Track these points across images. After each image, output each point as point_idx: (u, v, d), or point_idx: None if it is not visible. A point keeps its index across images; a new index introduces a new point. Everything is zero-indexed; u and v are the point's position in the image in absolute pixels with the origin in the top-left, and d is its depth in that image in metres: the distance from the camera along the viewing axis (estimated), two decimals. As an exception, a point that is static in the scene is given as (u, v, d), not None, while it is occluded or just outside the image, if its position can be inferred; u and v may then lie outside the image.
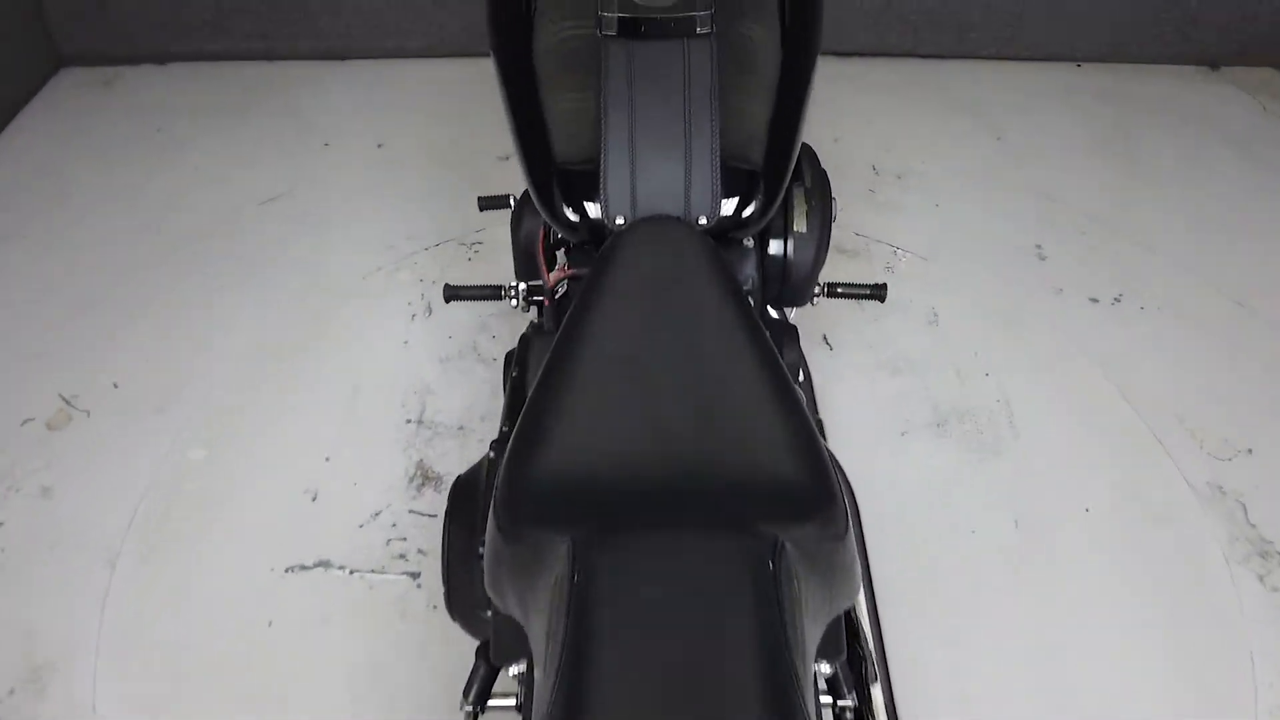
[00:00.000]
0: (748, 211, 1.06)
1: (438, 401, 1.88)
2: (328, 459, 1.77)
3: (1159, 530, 1.71)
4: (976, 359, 2.01)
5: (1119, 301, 2.19)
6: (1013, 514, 1.72)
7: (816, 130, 2.39)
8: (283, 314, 2.07)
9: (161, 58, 2.92)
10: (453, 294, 1.57)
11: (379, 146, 2.60)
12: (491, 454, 1.14)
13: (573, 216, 1.07)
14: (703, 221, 1.04)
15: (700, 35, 1.07)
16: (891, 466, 1.80)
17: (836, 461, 1.05)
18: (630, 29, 1.06)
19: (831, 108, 2.73)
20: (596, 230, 1.06)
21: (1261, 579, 1.66)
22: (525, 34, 1.21)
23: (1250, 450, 1.87)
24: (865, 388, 1.93)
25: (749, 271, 1.17)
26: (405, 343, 2.01)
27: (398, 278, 2.17)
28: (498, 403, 1.85)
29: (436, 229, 2.30)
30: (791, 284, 1.23)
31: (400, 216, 2.34)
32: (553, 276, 1.19)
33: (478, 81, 2.83)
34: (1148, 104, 2.84)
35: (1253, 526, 1.74)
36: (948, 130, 2.70)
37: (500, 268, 2.11)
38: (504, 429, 1.26)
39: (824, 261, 1.24)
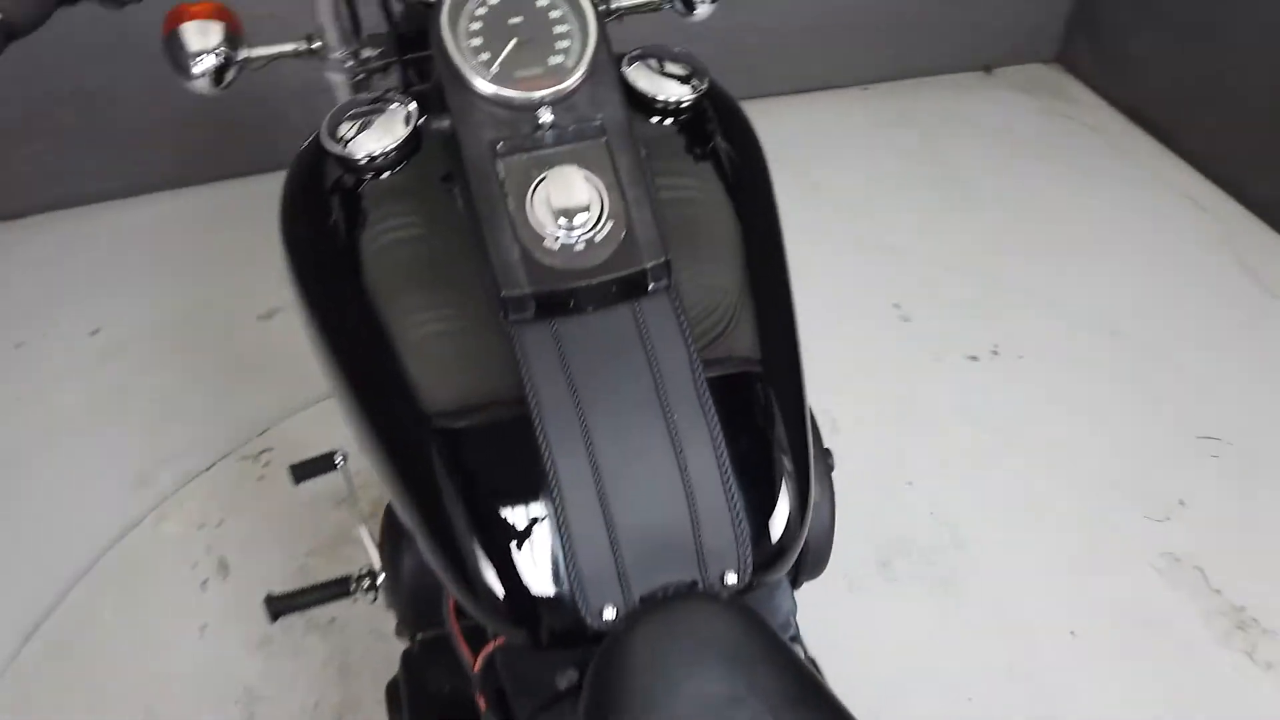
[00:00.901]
0: (778, 531, 0.71)
1: (271, 710, 1.39)
2: None
3: (1146, 636, 1.54)
4: (892, 466, 1.77)
5: (997, 354, 2.04)
6: (1003, 662, 1.48)
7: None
8: (9, 630, 1.48)
9: None
10: (282, 608, 1.12)
11: (94, 334, 2.00)
12: None
13: (516, 605, 0.67)
14: (731, 580, 0.68)
15: (656, 291, 0.70)
16: (852, 635, 1.51)
17: None
18: (552, 306, 0.67)
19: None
20: (568, 627, 0.67)
21: (1251, 655, 1.53)
22: (342, 241, 0.77)
23: (1181, 501, 1.75)
24: (793, 540, 1.64)
25: (787, 609, 0.81)
26: (203, 628, 1.48)
27: (165, 531, 1.62)
28: (362, 686, 1.40)
29: (203, 442, 1.76)
30: (810, 561, 0.90)
31: (146, 434, 1.78)
32: (480, 657, 0.78)
33: (210, 215, 2.29)
34: (944, 120, 2.75)
35: (1218, 593, 1.61)
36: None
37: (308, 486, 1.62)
38: None
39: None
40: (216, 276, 2.11)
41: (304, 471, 1.17)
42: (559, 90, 0.69)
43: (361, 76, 0.98)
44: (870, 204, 2.44)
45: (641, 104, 0.79)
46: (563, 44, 0.71)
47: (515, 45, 0.70)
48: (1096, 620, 1.55)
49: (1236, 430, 1.88)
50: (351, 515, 1.16)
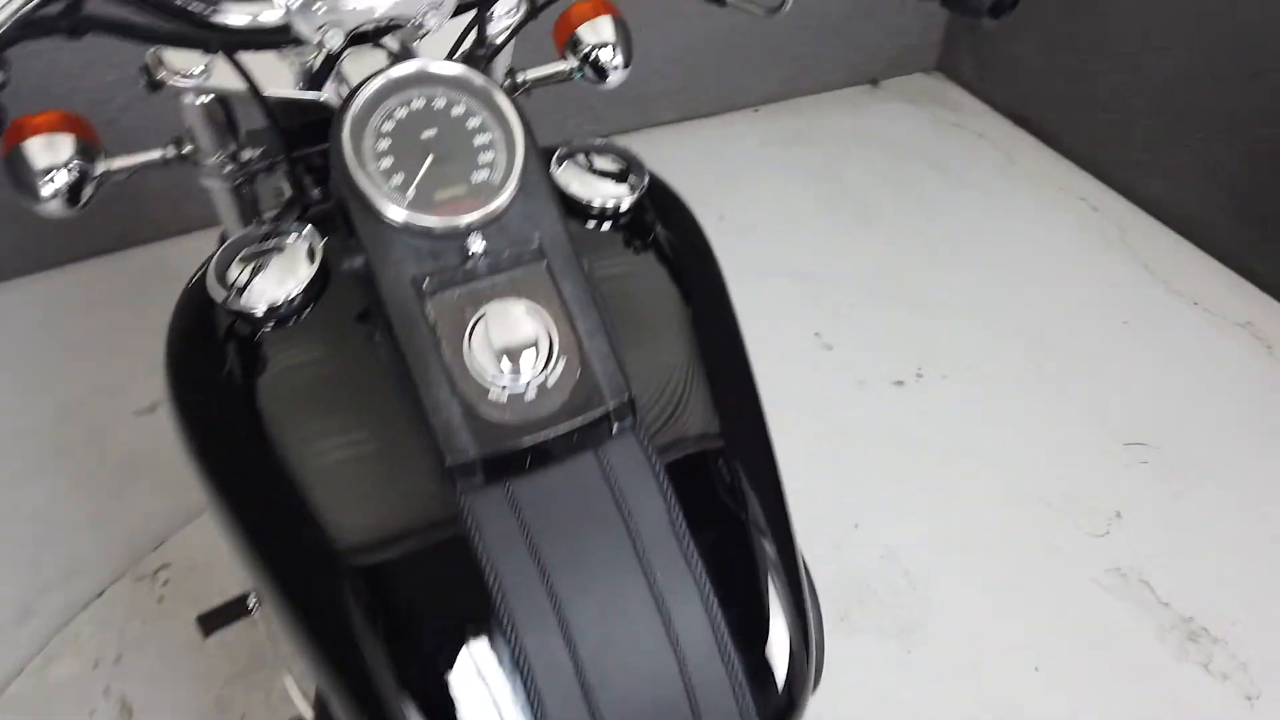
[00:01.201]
0: (784, 686, 0.63)
1: None
2: None
3: (1107, 659, 1.52)
4: (837, 508, 1.72)
5: (921, 377, 2.02)
6: (974, 709, 1.44)
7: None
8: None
9: None
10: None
11: (-50, 449, 1.79)
12: None
13: None
14: None
15: (620, 434, 0.61)
16: (821, 695, 1.45)
17: None
18: (505, 468, 0.58)
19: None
20: None
21: (1207, 668, 1.53)
22: (244, 404, 0.65)
23: (1118, 513, 1.75)
24: (745, 602, 1.57)
25: None
26: (108, 785, 1.32)
27: (56, 674, 1.44)
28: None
29: (91, 563, 1.58)
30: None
31: (25, 559, 1.59)
32: None
33: (69, 303, 2.09)
34: (837, 137, 2.74)
35: (1166, 606, 1.61)
36: (668, 220, 2.40)
37: (212, 594, 1.47)
38: None
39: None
40: (84, 371, 1.92)
41: (214, 622, 1.04)
42: (489, 212, 0.60)
43: (242, 180, 0.87)
44: (777, 229, 2.40)
45: (575, 209, 0.70)
46: (486, 156, 0.62)
47: (432, 163, 0.60)
48: (1058, 650, 1.52)
49: (1161, 433, 1.90)
50: (274, 663, 1.03)
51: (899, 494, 1.76)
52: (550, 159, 0.71)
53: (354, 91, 0.60)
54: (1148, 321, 2.17)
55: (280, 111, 0.74)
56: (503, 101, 0.62)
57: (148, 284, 2.11)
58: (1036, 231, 2.43)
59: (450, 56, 0.73)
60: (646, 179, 0.72)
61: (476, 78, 0.62)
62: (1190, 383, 2.02)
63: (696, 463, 0.65)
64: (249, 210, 0.93)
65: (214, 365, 0.64)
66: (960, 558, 1.65)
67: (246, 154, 0.84)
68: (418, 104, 0.61)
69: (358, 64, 0.71)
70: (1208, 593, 1.62)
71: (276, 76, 0.73)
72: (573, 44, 0.92)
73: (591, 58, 0.91)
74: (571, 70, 0.93)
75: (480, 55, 0.77)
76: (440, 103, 0.62)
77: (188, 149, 0.81)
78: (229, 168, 0.84)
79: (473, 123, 0.62)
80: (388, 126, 0.60)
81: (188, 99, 0.75)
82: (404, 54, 0.68)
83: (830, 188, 2.55)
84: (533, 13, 0.77)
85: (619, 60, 0.92)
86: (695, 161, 2.59)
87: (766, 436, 0.72)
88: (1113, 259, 2.35)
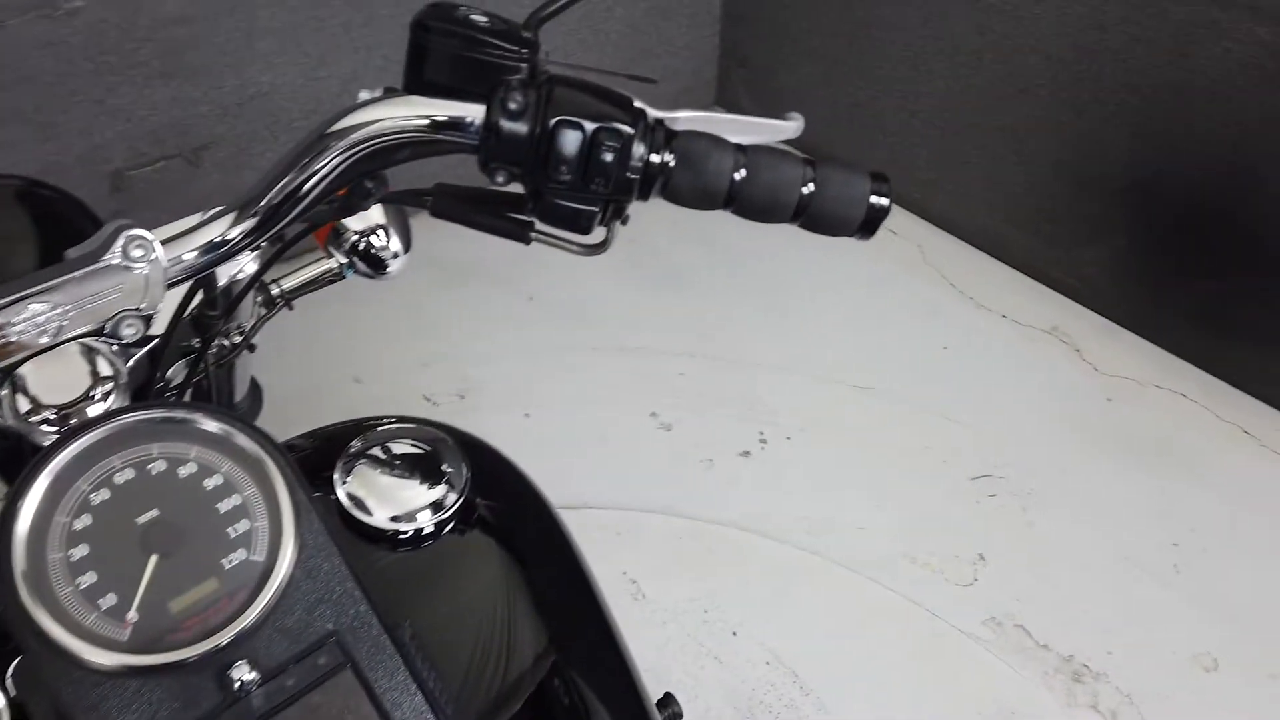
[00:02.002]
0: None
1: None
2: None
3: (1008, 727, 1.48)
4: (711, 617, 1.60)
5: (765, 443, 1.94)
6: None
7: (305, 393, 1.80)
8: None
9: None
10: None
11: None
12: None
13: None
14: None
15: None
16: None
17: None
18: None
19: (315, 335, 2.02)
20: None
21: (1096, 708, 1.52)
22: None
23: (980, 556, 1.73)
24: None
25: None
26: None
27: None
28: None
29: None
30: None
31: None
32: None
33: None
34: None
35: (1046, 648, 1.60)
36: (475, 314, 2.22)
37: None
38: None
39: None
40: None
41: None
42: (258, 615, 0.42)
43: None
44: (588, 304, 2.27)
45: (377, 536, 0.53)
46: (240, 526, 0.43)
47: (157, 564, 0.41)
48: (958, 725, 1.47)
49: (1001, 460, 1.90)
50: None
51: (769, 587, 1.66)
52: (331, 464, 0.54)
53: (17, 490, 0.40)
54: (965, 342, 2.19)
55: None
56: (247, 442, 0.44)
57: None
58: (840, 262, 2.42)
59: (174, 325, 0.53)
60: (466, 471, 0.56)
61: (206, 419, 0.44)
62: (1016, 399, 2.04)
63: None
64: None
65: None
66: (846, 646, 1.57)
67: None
68: (123, 477, 0.42)
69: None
70: (1078, 625, 1.62)
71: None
72: (335, 236, 0.75)
73: (361, 248, 0.74)
74: (341, 267, 0.76)
75: (213, 329, 0.58)
76: (158, 466, 0.43)
77: None
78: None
79: (211, 483, 0.43)
80: (82, 523, 0.41)
81: None
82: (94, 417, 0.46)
83: (629, 247, 2.44)
84: (282, 250, 0.59)
85: (396, 246, 0.76)
86: (488, 242, 2.41)
87: None
88: (919, 280, 2.37)
